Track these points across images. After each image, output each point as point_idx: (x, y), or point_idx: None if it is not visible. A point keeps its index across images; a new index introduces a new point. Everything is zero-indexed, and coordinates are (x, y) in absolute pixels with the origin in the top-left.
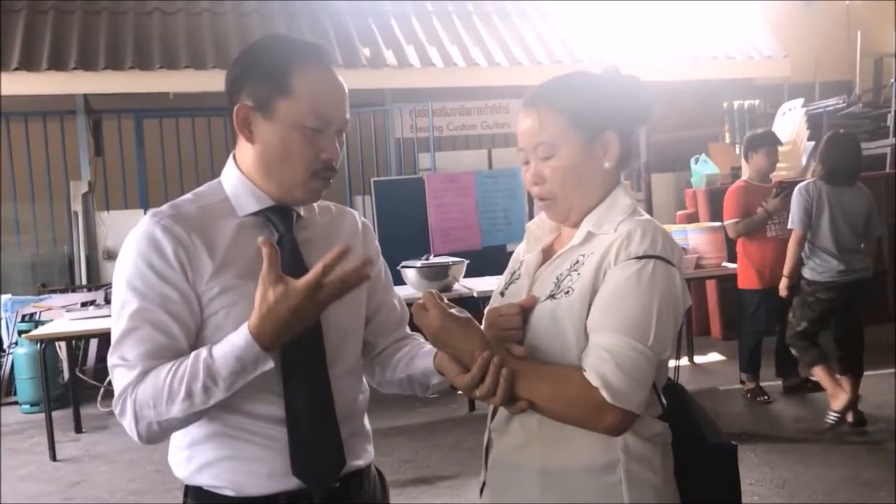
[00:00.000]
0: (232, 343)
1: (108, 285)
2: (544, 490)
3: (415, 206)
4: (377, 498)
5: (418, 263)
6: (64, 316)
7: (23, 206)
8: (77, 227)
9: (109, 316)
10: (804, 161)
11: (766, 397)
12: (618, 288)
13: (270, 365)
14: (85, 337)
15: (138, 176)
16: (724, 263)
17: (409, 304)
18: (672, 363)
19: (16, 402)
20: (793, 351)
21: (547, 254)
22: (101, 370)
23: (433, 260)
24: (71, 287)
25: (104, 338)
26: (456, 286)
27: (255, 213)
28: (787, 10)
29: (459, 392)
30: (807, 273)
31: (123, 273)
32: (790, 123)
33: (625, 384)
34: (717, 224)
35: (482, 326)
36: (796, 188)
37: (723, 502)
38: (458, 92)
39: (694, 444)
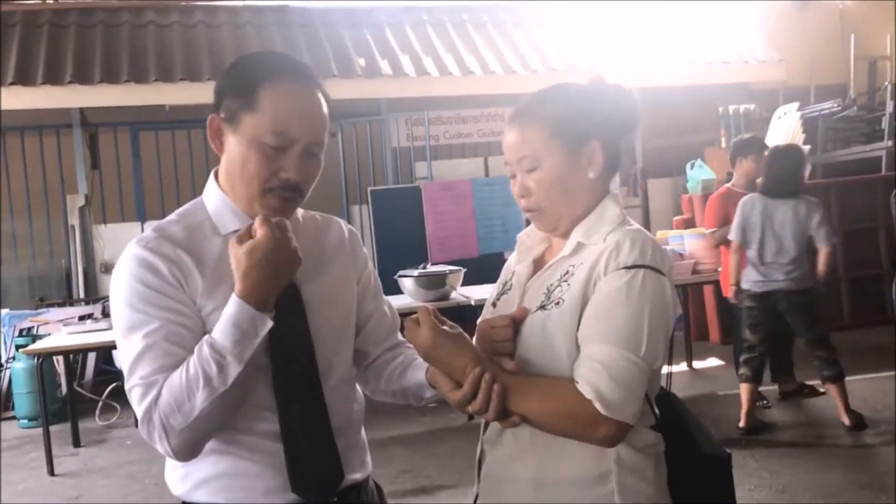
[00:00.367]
0: (226, 315)
1: (106, 298)
2: (537, 502)
3: (412, 215)
4: None
5: (415, 272)
6: (61, 330)
7: (20, 220)
8: (74, 241)
9: (107, 329)
10: None
11: (764, 402)
12: (608, 298)
13: (269, 324)
14: (83, 350)
15: (135, 189)
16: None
17: (408, 314)
18: (665, 369)
19: (13, 417)
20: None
21: (538, 264)
22: (99, 384)
23: (430, 269)
24: (68, 301)
25: (102, 351)
26: (453, 295)
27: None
28: (781, 15)
29: None
30: (741, 282)
31: (121, 298)
32: (786, 128)
33: (618, 395)
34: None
35: (474, 338)
36: (740, 200)
37: None
38: (453, 100)
39: (688, 453)
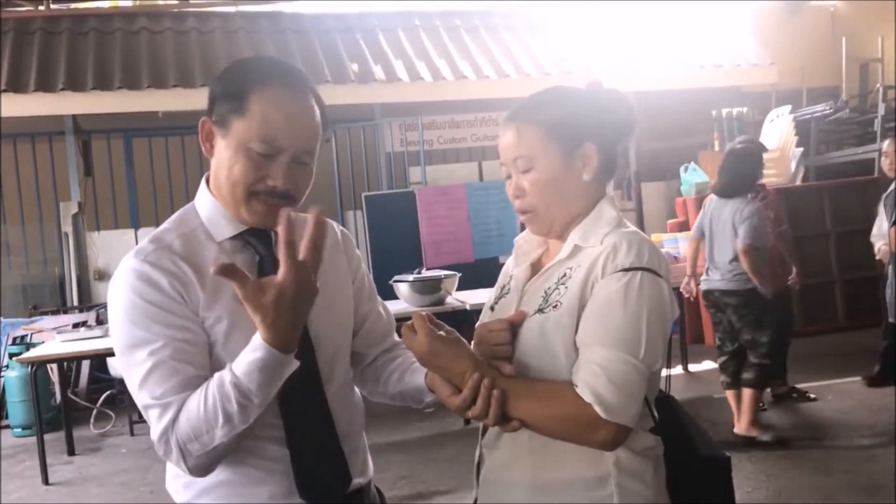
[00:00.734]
0: (251, 357)
1: (100, 306)
2: None
3: (406, 220)
4: None
5: (411, 277)
6: (55, 338)
7: (13, 227)
8: (68, 248)
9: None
10: (793, 167)
11: (760, 404)
12: (606, 301)
13: (295, 364)
14: (77, 358)
15: (128, 195)
16: None
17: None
18: (664, 372)
19: (7, 426)
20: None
21: (535, 268)
22: (94, 391)
23: (425, 273)
24: (62, 308)
25: (96, 359)
26: (449, 299)
27: (234, 237)
28: (773, 18)
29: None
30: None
31: (121, 313)
32: (778, 130)
33: (618, 399)
34: None
35: (472, 342)
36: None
37: None
38: (447, 105)
39: (687, 456)
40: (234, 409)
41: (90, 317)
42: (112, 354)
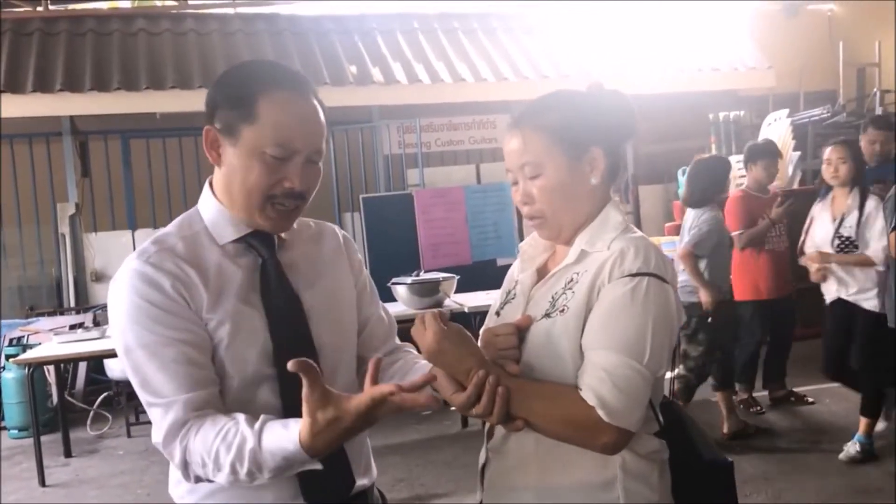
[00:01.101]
0: (281, 445)
1: (97, 307)
2: None
3: (404, 222)
4: None
5: (409, 280)
6: (52, 339)
7: (9, 228)
8: (65, 250)
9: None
10: (790, 171)
11: (758, 408)
12: (612, 306)
13: (319, 466)
14: (74, 360)
15: (126, 197)
16: None
17: (402, 321)
18: (667, 375)
19: (4, 428)
20: None
21: (541, 273)
22: (90, 393)
23: (424, 276)
24: (59, 310)
25: (93, 361)
26: (447, 301)
27: (237, 240)
28: (770, 22)
29: (452, 408)
30: None
31: (123, 314)
32: (776, 134)
33: (621, 403)
34: None
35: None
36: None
37: None
38: (445, 108)
39: (690, 460)
40: (242, 470)
41: (87, 318)
42: (109, 356)
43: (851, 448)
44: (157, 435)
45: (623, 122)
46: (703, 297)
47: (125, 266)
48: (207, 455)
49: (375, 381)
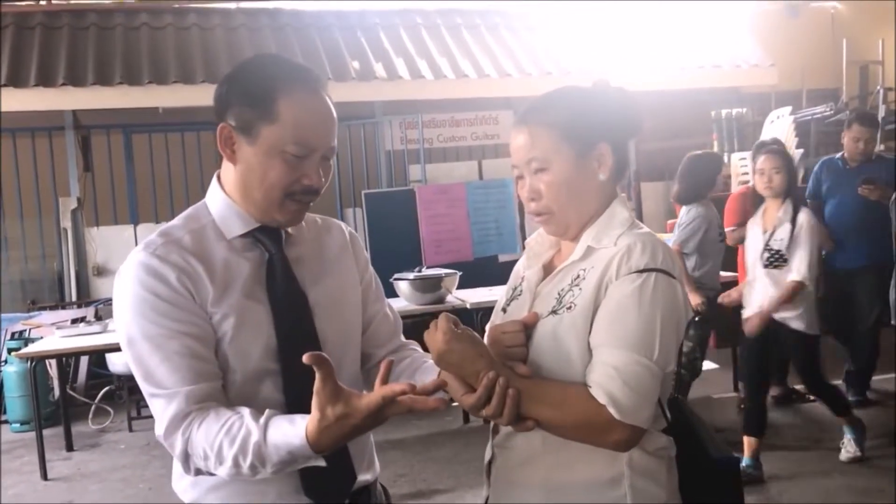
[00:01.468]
0: (287, 440)
1: (99, 301)
2: None
3: (406, 218)
4: None
5: (411, 276)
6: (54, 333)
7: (12, 222)
8: (66, 244)
9: (100, 333)
10: None
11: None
12: (620, 303)
13: (322, 463)
14: (75, 354)
15: (128, 191)
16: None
17: (404, 318)
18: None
19: (6, 421)
20: None
21: (547, 269)
22: (92, 387)
23: (426, 272)
24: (61, 304)
25: (95, 355)
26: (449, 298)
27: (244, 234)
28: (773, 19)
29: (454, 405)
30: None
31: (127, 305)
32: (778, 131)
33: (631, 400)
34: None
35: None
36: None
37: None
38: (447, 104)
39: (697, 457)
40: (245, 464)
41: (89, 312)
42: (111, 350)
43: (849, 446)
44: (159, 427)
45: (630, 119)
46: (690, 297)
47: (131, 257)
48: (210, 448)
49: (387, 382)
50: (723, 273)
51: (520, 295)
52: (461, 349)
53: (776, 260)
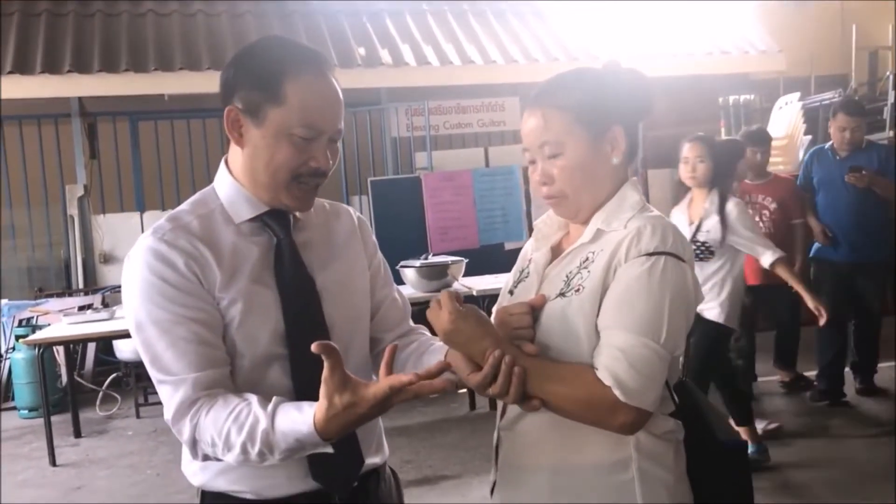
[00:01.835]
0: (295, 427)
1: (105, 289)
2: (555, 489)
3: (412, 206)
4: (393, 497)
5: (417, 263)
6: (61, 320)
7: (18, 210)
8: (73, 231)
9: (108, 320)
10: (801, 155)
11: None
12: (629, 285)
13: (330, 450)
14: (83, 341)
15: (134, 178)
16: None
17: (412, 305)
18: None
19: (14, 408)
20: None
21: (555, 252)
22: (99, 374)
23: (432, 259)
24: (68, 291)
25: (102, 342)
26: (455, 285)
27: (252, 219)
28: (781, 5)
29: (461, 391)
30: None
31: (136, 290)
32: (787, 118)
33: (638, 383)
34: None
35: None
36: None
37: (734, 499)
38: (454, 90)
39: (704, 441)
40: (253, 451)
41: (96, 299)
42: (118, 337)
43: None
44: (167, 412)
45: (642, 101)
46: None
47: (140, 243)
48: (218, 435)
49: (390, 368)
50: None
51: (527, 277)
52: (467, 328)
53: (703, 253)
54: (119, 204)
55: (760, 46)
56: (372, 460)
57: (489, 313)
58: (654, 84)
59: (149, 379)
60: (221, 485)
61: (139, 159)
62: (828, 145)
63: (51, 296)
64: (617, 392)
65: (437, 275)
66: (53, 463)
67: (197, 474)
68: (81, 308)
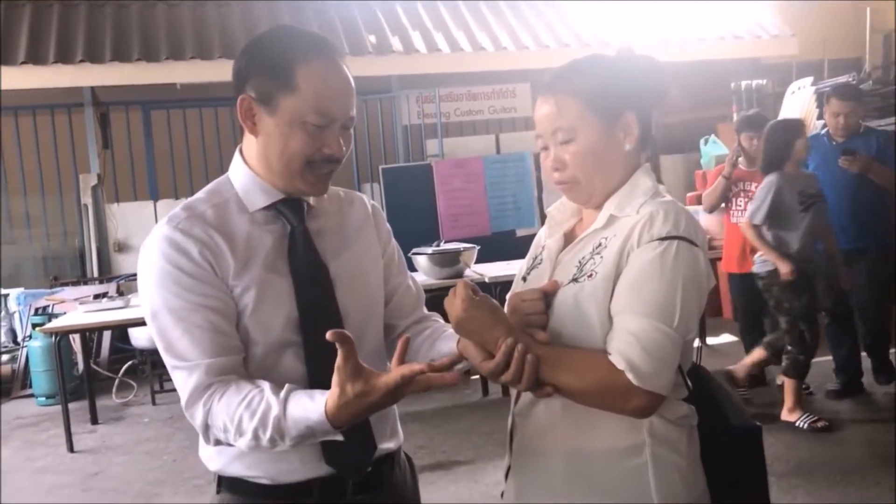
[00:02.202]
0: (306, 415)
1: (120, 277)
2: (570, 474)
3: (423, 193)
4: (408, 482)
5: (429, 250)
6: (77, 308)
7: (33, 199)
8: (87, 220)
9: (123, 308)
10: None
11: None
12: (642, 270)
13: (340, 438)
14: (99, 329)
15: (147, 167)
16: None
17: (425, 291)
18: (695, 343)
19: (32, 395)
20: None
21: (569, 238)
22: (115, 362)
23: (444, 246)
24: (83, 280)
25: (117, 330)
26: (467, 272)
27: (266, 207)
28: None
29: (473, 377)
30: None
31: (151, 278)
32: (800, 102)
33: (651, 367)
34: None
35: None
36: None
37: (748, 484)
38: (464, 77)
39: (718, 426)
40: (265, 437)
41: (111, 288)
42: (133, 325)
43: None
44: (181, 398)
45: (655, 87)
46: (779, 265)
47: (155, 231)
48: (230, 420)
49: (403, 360)
50: None
51: (540, 263)
52: (480, 316)
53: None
54: (133, 193)
55: (773, 31)
56: (386, 445)
57: (501, 300)
58: (667, 70)
59: (164, 366)
60: (237, 469)
61: (152, 148)
62: (824, 131)
63: (66, 284)
64: (630, 376)
65: (449, 262)
66: (71, 449)
67: (213, 459)
68: (97, 296)
